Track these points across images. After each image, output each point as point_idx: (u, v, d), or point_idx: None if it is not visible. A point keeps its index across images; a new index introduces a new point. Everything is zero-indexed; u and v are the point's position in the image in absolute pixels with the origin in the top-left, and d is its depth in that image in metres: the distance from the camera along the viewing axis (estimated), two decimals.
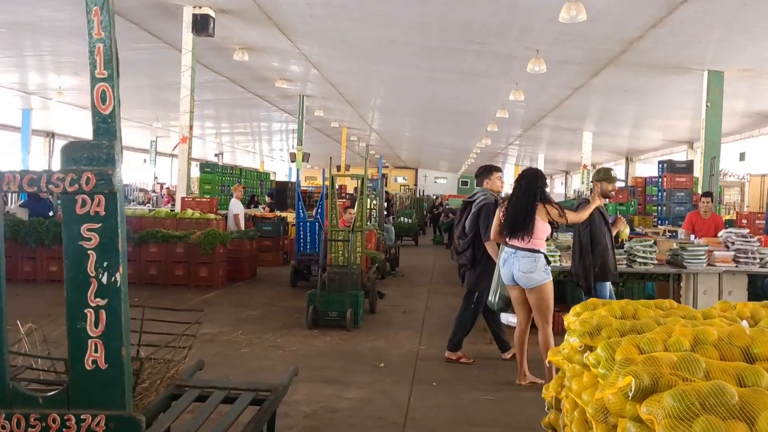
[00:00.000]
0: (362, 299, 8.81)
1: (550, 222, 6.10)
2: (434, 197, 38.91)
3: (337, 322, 8.44)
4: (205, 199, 12.90)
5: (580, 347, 3.28)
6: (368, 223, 13.71)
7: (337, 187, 27.01)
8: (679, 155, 25.83)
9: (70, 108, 25.12)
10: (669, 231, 12.71)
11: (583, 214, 6.38)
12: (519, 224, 6.05)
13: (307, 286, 11.05)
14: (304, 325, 8.48)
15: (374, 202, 14.75)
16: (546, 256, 6.10)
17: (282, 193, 21.29)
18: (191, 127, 14.07)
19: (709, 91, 14.41)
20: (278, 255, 14.67)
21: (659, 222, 14.52)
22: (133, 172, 35.19)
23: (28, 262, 11.38)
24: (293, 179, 23.69)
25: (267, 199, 15.31)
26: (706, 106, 14.69)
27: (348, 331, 8.29)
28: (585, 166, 25.73)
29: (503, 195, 7.39)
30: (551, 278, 6.11)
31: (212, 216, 12.16)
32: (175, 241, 11.23)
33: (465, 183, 52.24)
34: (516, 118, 23.18)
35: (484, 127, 25.52)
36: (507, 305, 6.49)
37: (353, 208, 10.24)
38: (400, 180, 51.87)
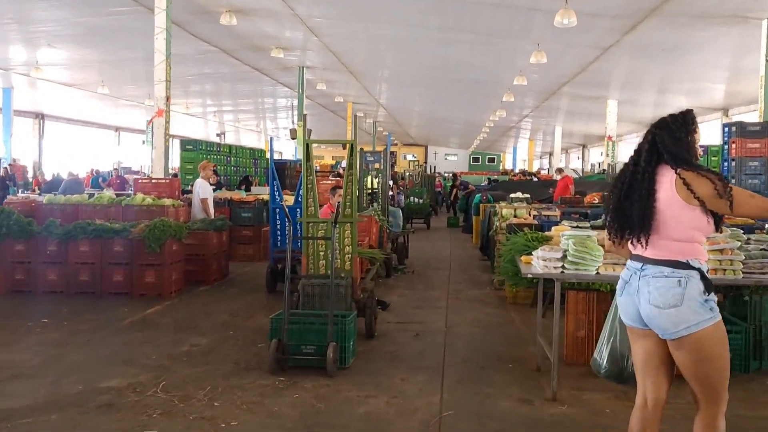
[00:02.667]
0: (353, 324, 5.60)
1: (708, 209, 2.88)
2: (447, 174, 35.62)
3: (315, 363, 5.25)
4: (163, 181, 9.65)
5: None
6: (371, 206, 10.48)
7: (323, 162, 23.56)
8: (713, 124, 22.61)
9: (57, 86, 22.17)
10: None
11: None
12: (629, 215, 2.98)
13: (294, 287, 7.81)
14: (266, 365, 5.29)
15: (377, 180, 11.51)
16: (705, 275, 2.91)
17: (280, 173, 18.06)
18: (168, 99, 11.66)
19: None
20: (260, 248, 11.37)
21: None
22: (130, 154, 32.09)
23: None
24: (299, 157, 20.42)
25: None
26: (766, 60, 11.89)
27: (330, 377, 5.10)
28: (610, 138, 22.42)
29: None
30: (719, 317, 2.91)
31: (169, 202, 8.94)
32: (111, 237, 8.01)
33: (476, 159, 48.75)
34: (534, 87, 20.05)
35: (499, 98, 22.35)
36: (622, 369, 3.33)
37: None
38: (410, 157, 48.44)
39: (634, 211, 2.94)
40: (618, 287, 3.14)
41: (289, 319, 5.33)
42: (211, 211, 9.84)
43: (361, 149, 11.02)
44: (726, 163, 11.42)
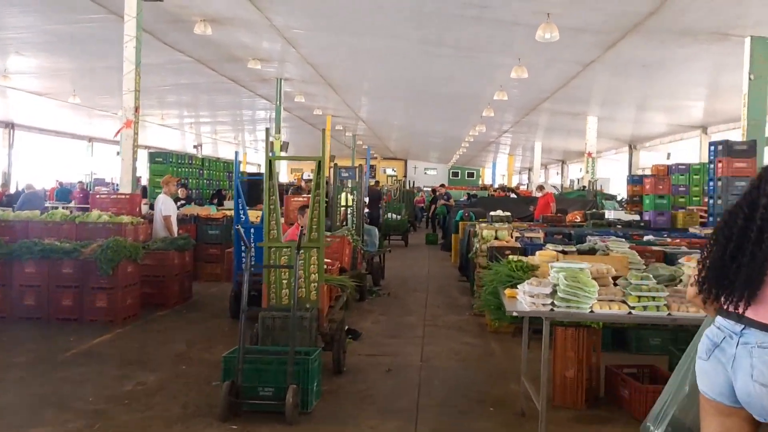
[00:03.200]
0: (317, 363, 4.96)
1: None
2: (427, 189, 34.98)
3: (273, 407, 4.59)
4: (123, 196, 8.95)
5: None
6: (344, 224, 9.86)
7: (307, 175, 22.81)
8: (692, 141, 22.42)
9: (27, 95, 21.31)
10: None
11: None
12: (732, 278, 2.42)
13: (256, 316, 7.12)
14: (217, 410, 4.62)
15: (351, 196, 10.88)
16: None
17: (254, 188, 17.38)
18: (137, 109, 10.94)
19: (753, 61, 11.39)
20: (227, 268, 10.66)
21: (713, 219, 10.73)
22: (104, 165, 31.06)
23: None
24: (277, 171, 19.64)
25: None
26: (749, 78, 11.55)
27: (290, 425, 4.45)
28: (590, 154, 22.03)
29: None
30: None
31: (127, 219, 8.24)
32: (60, 258, 7.31)
33: (456, 174, 48.32)
34: (514, 102, 19.62)
35: (479, 113, 21.92)
36: None
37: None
38: (389, 171, 47.88)
39: (741, 275, 2.37)
40: (701, 348, 2.52)
41: (244, 357, 4.68)
42: (175, 229, 9.14)
43: (335, 164, 10.40)
44: (712, 183, 11.01)
